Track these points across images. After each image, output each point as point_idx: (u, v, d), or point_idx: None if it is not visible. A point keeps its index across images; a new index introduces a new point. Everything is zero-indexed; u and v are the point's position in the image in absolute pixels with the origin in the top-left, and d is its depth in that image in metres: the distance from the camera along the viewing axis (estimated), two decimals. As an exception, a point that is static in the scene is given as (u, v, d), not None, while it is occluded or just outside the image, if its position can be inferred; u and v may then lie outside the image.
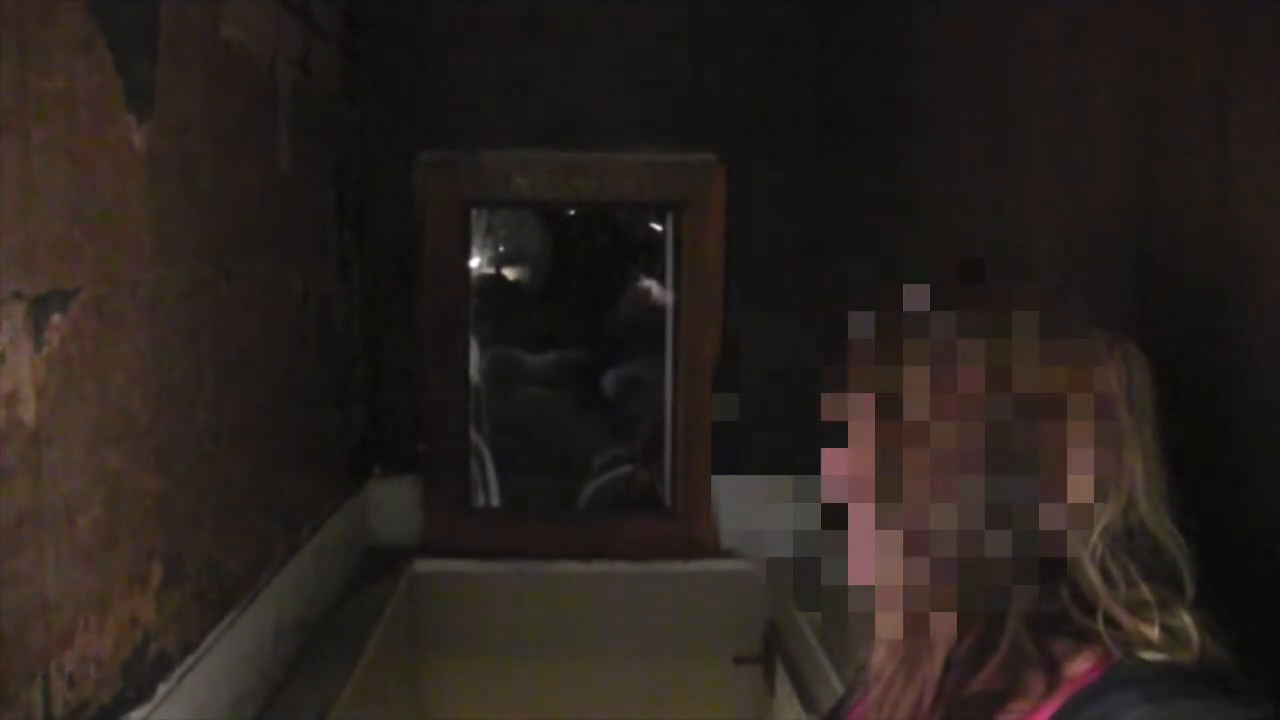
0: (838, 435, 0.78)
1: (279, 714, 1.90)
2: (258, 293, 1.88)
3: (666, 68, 2.74)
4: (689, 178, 2.75)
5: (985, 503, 0.73)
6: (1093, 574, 0.73)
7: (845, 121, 2.53)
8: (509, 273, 4.88)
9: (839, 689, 1.86)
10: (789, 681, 2.27)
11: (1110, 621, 0.72)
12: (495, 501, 3.49)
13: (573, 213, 4.79)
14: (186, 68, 1.55)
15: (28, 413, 1.14)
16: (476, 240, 4.19)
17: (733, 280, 2.76)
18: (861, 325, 0.78)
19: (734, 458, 2.62)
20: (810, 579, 0.80)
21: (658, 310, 3.49)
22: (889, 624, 0.77)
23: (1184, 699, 0.68)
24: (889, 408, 0.75)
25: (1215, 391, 1.00)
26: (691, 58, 2.74)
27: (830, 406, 0.78)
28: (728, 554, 2.80)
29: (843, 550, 0.78)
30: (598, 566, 2.78)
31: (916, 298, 0.77)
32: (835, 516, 0.78)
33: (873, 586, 0.77)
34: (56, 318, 1.19)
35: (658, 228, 3.95)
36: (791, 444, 0.81)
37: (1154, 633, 0.71)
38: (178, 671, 1.54)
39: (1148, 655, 0.70)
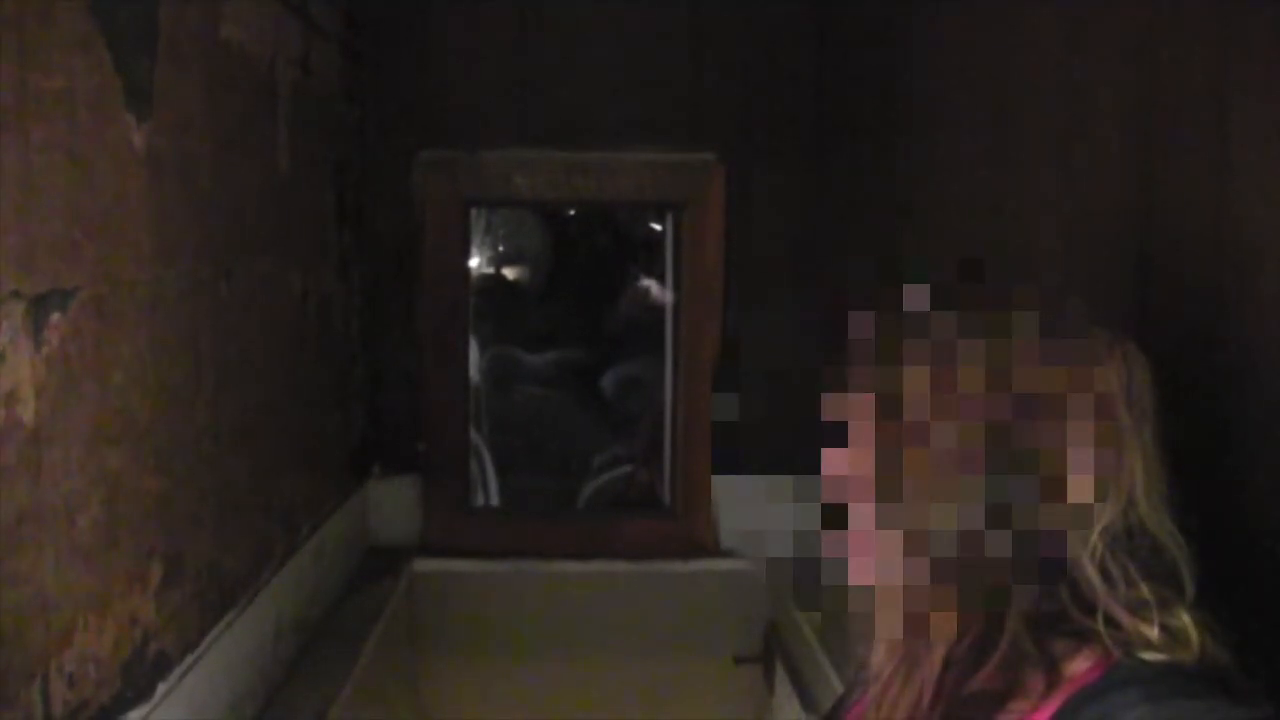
0: (838, 435, 0.78)
1: (279, 714, 1.90)
2: (257, 293, 1.88)
3: (666, 68, 2.74)
4: (689, 177, 2.75)
5: (985, 503, 0.73)
6: (1092, 574, 0.73)
7: (845, 121, 2.53)
8: (509, 272, 4.88)
9: (839, 689, 1.86)
10: (789, 681, 2.27)
11: (1110, 621, 0.72)
12: (495, 501, 3.49)
13: (573, 212, 4.79)
14: (186, 67, 1.55)
15: (27, 412, 1.14)
16: (476, 240, 4.19)
17: (733, 280, 2.76)
18: (861, 325, 0.78)
19: (734, 458, 2.62)
20: (810, 579, 0.80)
21: (657, 310, 3.49)
22: (889, 624, 0.77)
23: (1184, 699, 0.68)
24: (889, 408, 0.75)
25: (1215, 391, 1.00)
26: (691, 58, 2.74)
27: (830, 406, 0.78)
28: (728, 554, 2.80)
29: (843, 550, 0.78)
30: (597, 566, 2.78)
31: (916, 298, 0.77)
32: (835, 516, 0.78)
33: (873, 586, 0.77)
34: (56, 317, 1.19)
35: (658, 228, 3.95)
36: (791, 444, 0.81)
37: (1153, 632, 0.71)
38: (177, 671, 1.53)
39: (1148, 655, 0.70)
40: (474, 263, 3.89)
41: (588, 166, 2.74)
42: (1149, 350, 0.79)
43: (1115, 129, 1.23)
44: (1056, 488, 0.73)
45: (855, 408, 0.77)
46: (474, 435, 3.20)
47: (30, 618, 1.15)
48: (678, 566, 2.79)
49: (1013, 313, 0.76)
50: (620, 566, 2.79)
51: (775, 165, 2.74)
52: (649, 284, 4.34)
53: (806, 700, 2.13)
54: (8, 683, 1.11)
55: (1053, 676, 0.73)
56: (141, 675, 1.43)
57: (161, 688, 1.48)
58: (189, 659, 1.58)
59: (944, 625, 0.75)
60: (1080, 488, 0.74)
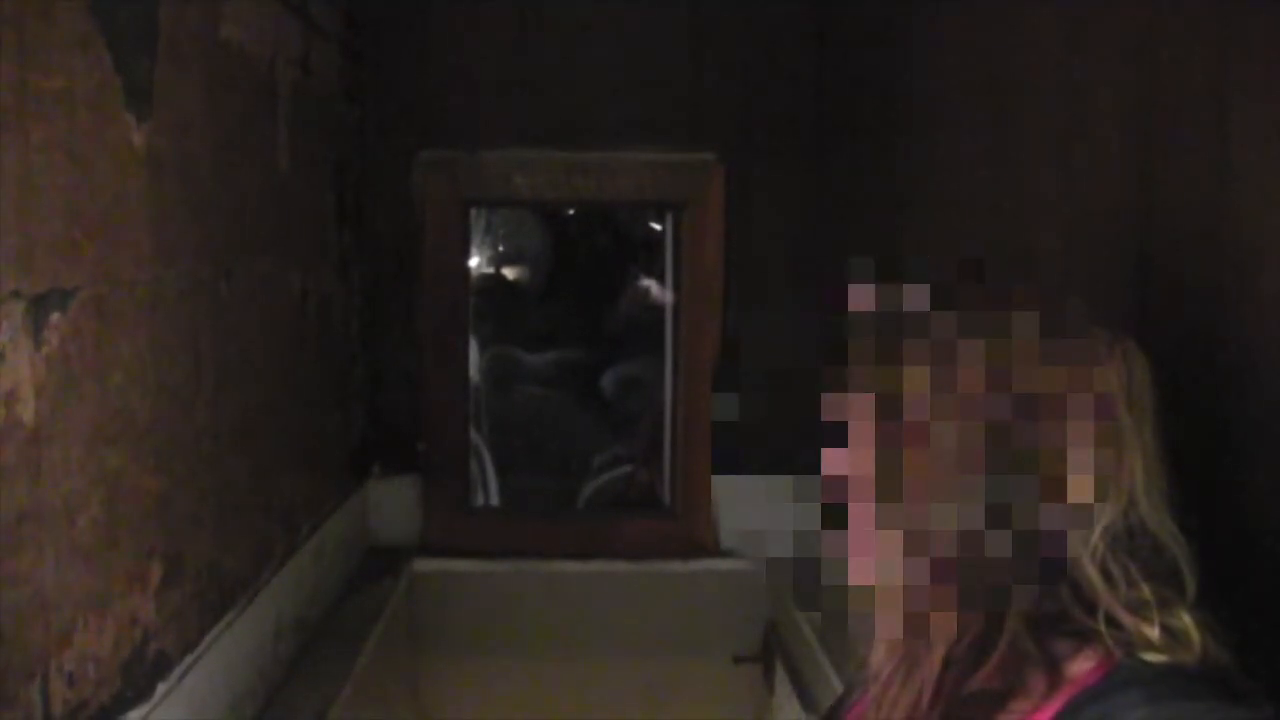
0: (838, 435, 0.78)
1: (279, 714, 1.90)
2: (257, 293, 1.88)
3: (666, 68, 2.74)
4: (688, 177, 2.75)
5: (985, 503, 0.73)
6: (1093, 574, 0.73)
7: (845, 121, 2.53)
8: (509, 272, 4.88)
9: (839, 689, 1.86)
10: (788, 681, 2.27)
11: (1111, 621, 0.72)
12: (495, 501, 3.49)
13: (572, 212, 4.79)
14: (186, 67, 1.55)
15: (27, 412, 1.14)
16: (476, 240, 4.19)
17: (733, 280, 2.76)
18: (862, 298, 0.77)
19: (734, 458, 2.62)
20: (810, 579, 0.80)
21: (657, 310, 3.49)
22: (889, 624, 0.77)
23: (1186, 700, 0.68)
24: (889, 408, 0.75)
25: (1215, 391, 1.00)
26: (691, 57, 2.74)
27: (830, 406, 0.78)
28: (727, 554, 2.79)
29: (843, 550, 0.78)
30: (597, 566, 2.78)
31: (917, 298, 0.77)
32: (835, 516, 0.78)
33: (873, 586, 0.76)
34: (56, 317, 1.19)
35: (657, 227, 3.95)
36: (791, 444, 0.81)
37: (1154, 632, 0.71)
38: (177, 671, 1.53)
39: (1149, 656, 0.70)
40: (474, 263, 3.89)
41: (587, 166, 2.74)
42: (1149, 350, 0.79)
43: (1115, 129, 1.23)
44: (1057, 487, 0.73)
45: (855, 408, 0.77)
46: (474, 435, 3.20)
47: (30, 617, 1.15)
48: (678, 566, 2.79)
49: (1013, 313, 0.76)
50: (620, 566, 2.79)
51: (775, 165, 2.74)
52: (649, 284, 4.34)
53: (806, 700, 2.13)
54: (7, 682, 1.11)
55: (1054, 677, 0.73)
56: (141, 675, 1.43)
57: (161, 687, 1.48)
58: (189, 659, 1.58)
59: (944, 625, 0.75)
60: (1080, 487, 0.74)
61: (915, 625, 0.76)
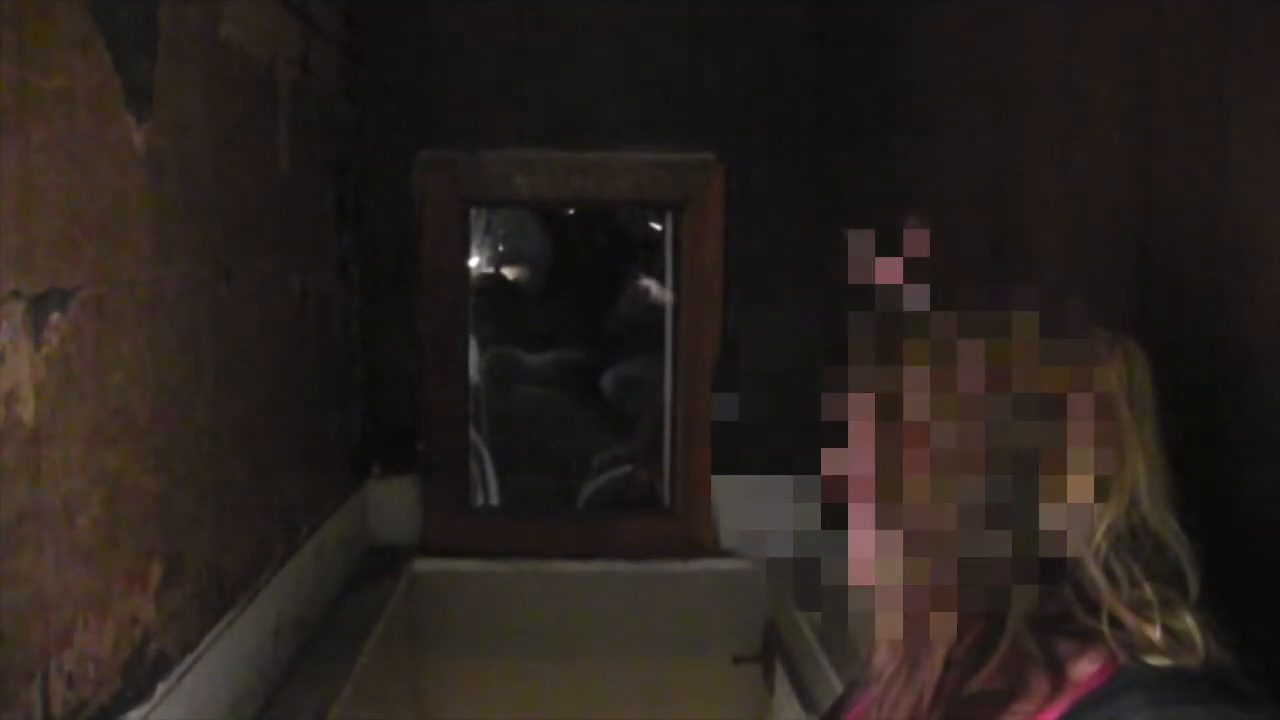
0: (838, 435, 0.78)
1: (279, 714, 1.90)
2: (257, 293, 1.88)
3: (666, 68, 2.74)
4: (688, 177, 2.75)
5: (985, 503, 0.73)
6: (1096, 574, 0.73)
7: (845, 121, 2.53)
8: (508, 272, 4.88)
9: (839, 689, 1.86)
10: (788, 681, 2.27)
11: (1114, 622, 0.72)
12: (495, 501, 3.49)
13: (572, 212, 4.79)
14: (186, 67, 1.55)
15: (27, 412, 1.14)
16: (476, 240, 4.19)
17: (733, 280, 2.76)
18: (862, 244, 0.78)
19: (734, 458, 2.62)
20: (810, 579, 0.80)
21: (657, 310, 3.49)
22: (889, 624, 0.77)
23: (1189, 704, 0.68)
24: (889, 408, 0.75)
25: (1215, 391, 1.00)
26: (691, 57, 2.74)
27: (830, 406, 0.78)
28: (727, 554, 2.79)
29: (843, 550, 0.78)
30: (597, 566, 2.78)
31: (917, 297, 0.77)
32: (835, 516, 0.78)
33: (872, 587, 0.76)
34: (55, 317, 1.19)
35: (657, 227, 3.95)
36: (791, 444, 0.81)
37: (1156, 633, 0.71)
38: (177, 671, 1.53)
39: (1153, 659, 0.70)
40: (474, 263, 3.89)
41: (587, 166, 2.74)
42: (1149, 350, 0.79)
43: (1115, 129, 1.23)
44: (1058, 487, 0.73)
45: (855, 408, 0.77)
46: (474, 435, 3.20)
47: (30, 617, 1.15)
48: (678, 566, 2.79)
49: (1013, 313, 0.76)
50: (620, 566, 2.79)
51: (775, 165, 2.74)
52: (649, 284, 4.34)
53: (806, 700, 2.13)
54: (7, 682, 1.11)
55: (1057, 678, 0.73)
56: (141, 675, 1.43)
57: (161, 687, 1.48)
58: (189, 659, 1.58)
59: (944, 626, 0.75)
60: (1082, 487, 0.73)
61: (915, 625, 0.76)
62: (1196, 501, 0.77)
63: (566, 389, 4.53)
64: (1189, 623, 0.71)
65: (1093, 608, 0.73)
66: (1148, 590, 0.72)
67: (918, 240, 0.77)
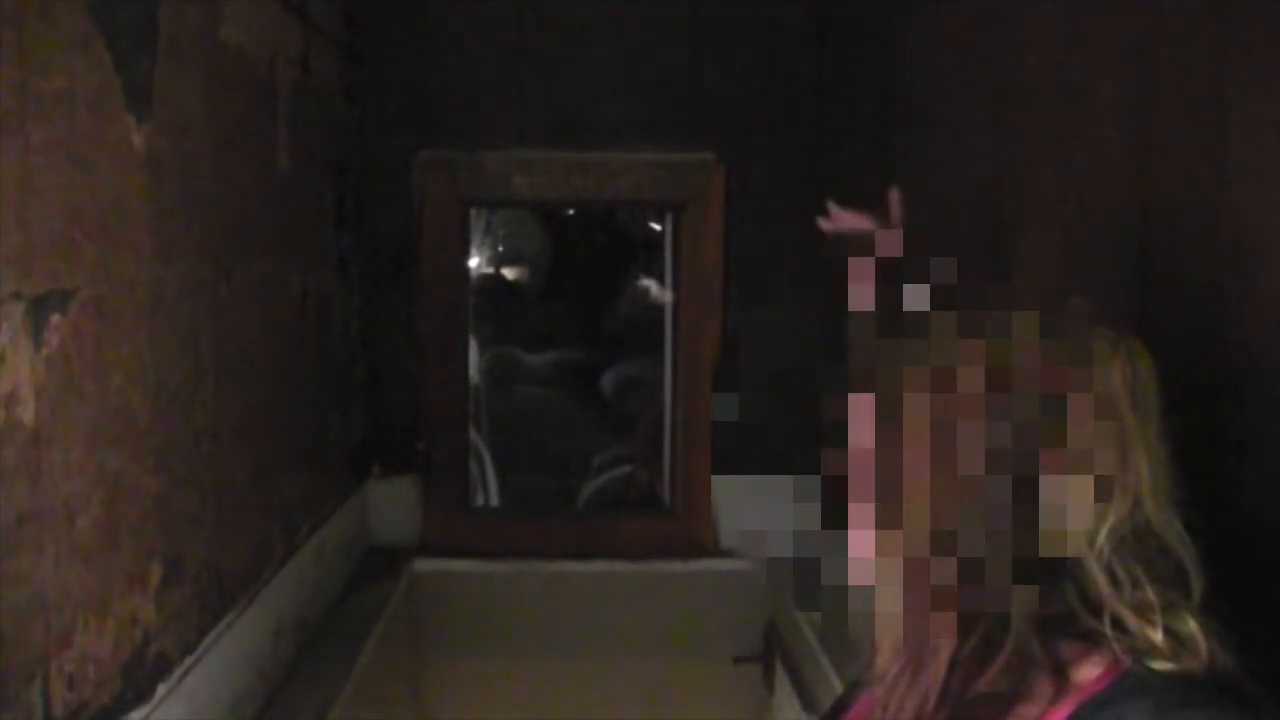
0: (838, 435, 0.78)
1: (279, 714, 1.90)
2: (257, 293, 1.88)
3: (666, 67, 2.74)
4: (688, 177, 2.75)
5: (986, 503, 0.73)
6: (1099, 575, 0.72)
7: (844, 121, 2.53)
8: (508, 272, 4.88)
9: (839, 689, 1.86)
10: (788, 681, 2.27)
11: (1117, 624, 0.72)
12: (495, 501, 3.49)
13: (572, 212, 4.79)
14: (185, 68, 1.55)
15: (27, 413, 1.14)
16: (476, 240, 4.19)
17: (732, 280, 2.76)
18: (862, 327, 0.77)
19: (734, 458, 2.62)
20: (810, 579, 0.80)
21: (657, 310, 3.49)
22: (890, 625, 0.77)
23: (1193, 709, 0.68)
24: (889, 408, 0.75)
25: (1215, 391, 1.00)
26: (691, 57, 2.74)
27: (834, 407, 0.78)
28: (728, 554, 2.80)
29: (843, 550, 0.77)
30: (597, 566, 2.78)
31: (917, 297, 0.77)
32: (835, 516, 0.78)
33: (873, 587, 0.76)
34: (56, 318, 1.19)
35: (657, 227, 3.95)
36: (791, 444, 0.81)
37: (1159, 636, 0.70)
38: (177, 672, 1.53)
39: (1156, 664, 0.70)
40: (474, 263, 3.89)
41: (587, 166, 2.74)
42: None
43: (1115, 129, 1.23)
44: (1060, 488, 0.73)
45: (855, 408, 0.77)
46: (474, 435, 3.20)
47: (30, 618, 1.15)
48: (678, 566, 2.79)
49: (1014, 312, 0.75)
50: (620, 566, 2.79)
51: (775, 165, 2.74)
52: (649, 284, 4.34)
53: (806, 700, 2.13)
54: (8, 683, 1.11)
55: (1060, 682, 0.72)
56: (142, 676, 1.43)
57: (162, 688, 1.48)
58: (189, 659, 1.58)
59: (945, 626, 0.75)
60: (1085, 488, 0.73)
61: (917, 626, 0.76)
62: (1195, 502, 0.76)
63: (566, 389, 4.53)
64: (1192, 626, 0.71)
65: (1095, 610, 0.73)
66: (1150, 593, 0.72)
67: (891, 241, 0.77)
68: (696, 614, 2.74)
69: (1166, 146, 1.12)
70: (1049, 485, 0.73)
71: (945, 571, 0.74)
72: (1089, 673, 0.73)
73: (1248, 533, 0.93)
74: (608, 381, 4.43)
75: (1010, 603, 0.73)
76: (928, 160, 1.91)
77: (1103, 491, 0.73)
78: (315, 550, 2.25)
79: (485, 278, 4.67)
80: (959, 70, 1.75)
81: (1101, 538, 0.73)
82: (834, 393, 0.78)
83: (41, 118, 1.16)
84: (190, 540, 1.59)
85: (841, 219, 1.47)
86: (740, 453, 2.59)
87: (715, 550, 2.81)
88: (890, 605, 0.76)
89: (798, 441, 0.82)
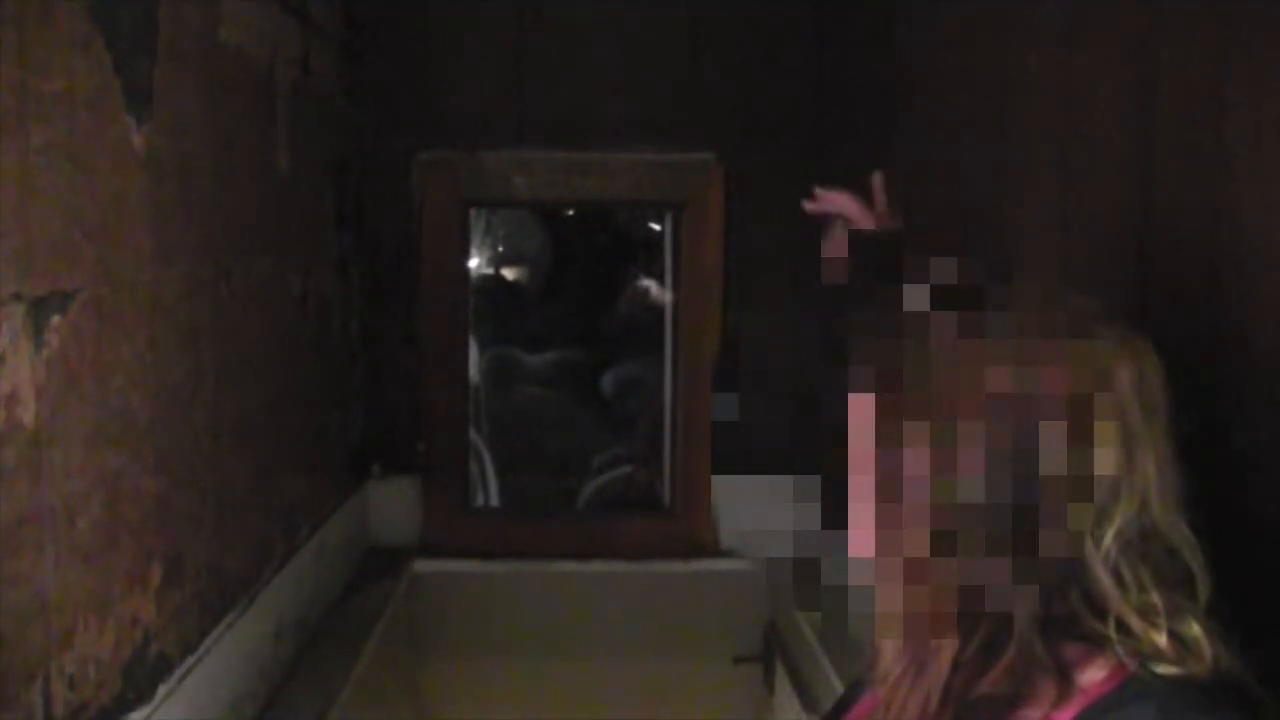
0: (838, 436, 0.77)
1: (279, 714, 1.90)
2: (257, 293, 1.88)
3: (666, 67, 2.74)
4: (688, 177, 2.75)
5: (990, 504, 0.72)
6: (1105, 577, 0.72)
7: (844, 121, 2.53)
8: (508, 273, 4.88)
9: (839, 689, 1.86)
10: (788, 681, 2.27)
11: (1121, 627, 0.71)
12: (495, 501, 3.49)
13: (572, 213, 4.79)
14: (185, 68, 1.55)
15: (27, 414, 1.14)
16: (476, 240, 4.19)
17: (732, 280, 2.76)
18: (864, 327, 0.77)
19: (734, 458, 2.62)
20: (810, 579, 0.80)
21: (657, 310, 3.49)
22: (892, 625, 0.77)
23: (1198, 714, 0.68)
24: (891, 408, 0.74)
25: (1215, 391, 1.00)
26: (691, 57, 2.74)
27: (834, 407, 0.77)
28: (728, 554, 2.80)
29: (843, 550, 0.77)
30: (597, 566, 2.78)
31: (918, 298, 0.76)
32: (835, 516, 0.77)
33: (874, 587, 0.76)
34: (56, 319, 1.19)
35: (657, 228, 3.95)
36: (791, 444, 0.81)
37: (1163, 640, 0.70)
38: (178, 672, 1.54)
39: (1161, 668, 0.70)
40: (474, 263, 3.89)
41: (587, 166, 2.74)
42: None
43: (1115, 129, 1.23)
44: (1067, 489, 0.72)
45: (855, 408, 0.77)
46: (474, 435, 3.19)
47: (30, 619, 1.15)
48: (678, 566, 2.79)
49: (1019, 312, 0.75)
50: (620, 566, 2.79)
51: (775, 165, 2.74)
52: (648, 284, 4.34)
53: (806, 700, 2.13)
54: (8, 684, 1.11)
55: (1064, 684, 0.72)
56: (142, 676, 1.43)
57: (162, 689, 1.48)
58: (189, 660, 1.58)
59: (946, 627, 0.75)
60: (1092, 489, 0.72)
61: (919, 627, 0.76)
62: (1195, 502, 0.76)
63: (566, 389, 4.53)
64: (1196, 630, 0.70)
65: (1100, 612, 0.72)
66: (1155, 596, 0.71)
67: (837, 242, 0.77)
68: (696, 614, 2.74)
69: (1166, 146, 1.12)
70: (1056, 486, 0.72)
71: (946, 572, 0.74)
72: (1093, 676, 0.72)
73: (1248, 533, 0.93)
74: (608, 381, 4.43)
75: (1013, 604, 0.73)
76: (927, 160, 1.91)
77: (1111, 493, 0.72)
78: (315, 550, 2.25)
79: (485, 278, 4.67)
80: (959, 70, 1.75)
81: (1108, 539, 0.72)
82: (834, 393, 0.78)
83: (41, 118, 1.16)
84: (190, 540, 1.59)
85: (825, 200, 1.49)
86: (740, 453, 2.59)
87: (715, 550, 2.81)
88: (891, 605, 0.76)
89: (798, 441, 0.82)
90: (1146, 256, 1.17)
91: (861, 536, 0.76)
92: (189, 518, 1.58)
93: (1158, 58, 1.14)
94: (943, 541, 0.73)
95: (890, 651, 0.80)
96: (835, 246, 1.46)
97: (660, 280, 3.71)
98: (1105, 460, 0.72)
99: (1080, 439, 0.72)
